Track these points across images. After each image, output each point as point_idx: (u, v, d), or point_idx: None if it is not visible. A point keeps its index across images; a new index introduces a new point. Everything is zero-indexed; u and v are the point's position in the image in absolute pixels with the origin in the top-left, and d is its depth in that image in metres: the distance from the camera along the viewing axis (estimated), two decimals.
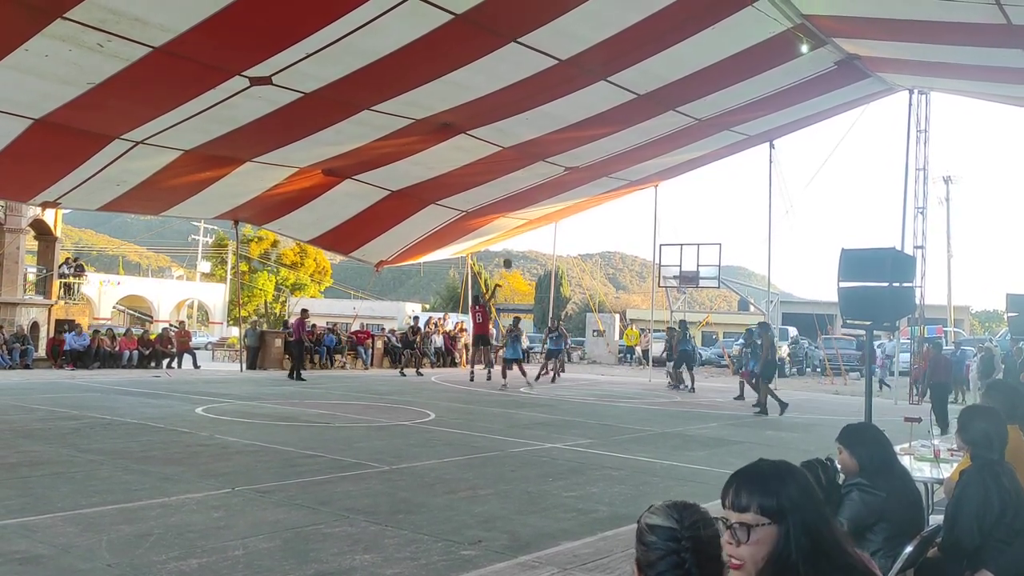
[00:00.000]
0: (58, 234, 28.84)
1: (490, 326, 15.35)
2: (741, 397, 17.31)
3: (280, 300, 53.52)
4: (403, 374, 22.08)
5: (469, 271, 30.21)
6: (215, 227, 53.58)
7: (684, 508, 1.71)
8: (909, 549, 3.13)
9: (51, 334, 23.91)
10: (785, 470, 1.86)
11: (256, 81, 11.21)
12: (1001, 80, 13.42)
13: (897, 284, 6.56)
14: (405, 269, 57.19)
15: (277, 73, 11.09)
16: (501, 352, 20.18)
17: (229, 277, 51.24)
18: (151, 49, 9.91)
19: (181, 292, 53.84)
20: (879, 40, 12.91)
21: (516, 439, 10.26)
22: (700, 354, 38.30)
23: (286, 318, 34.39)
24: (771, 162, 21.15)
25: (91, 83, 10.66)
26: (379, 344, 26.54)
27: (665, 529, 1.67)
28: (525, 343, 34.68)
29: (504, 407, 14.34)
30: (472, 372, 20.69)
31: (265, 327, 35.55)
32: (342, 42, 10.37)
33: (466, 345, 27.92)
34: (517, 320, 20.00)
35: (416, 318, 26.90)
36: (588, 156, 17.39)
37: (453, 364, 27.41)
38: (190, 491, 6.42)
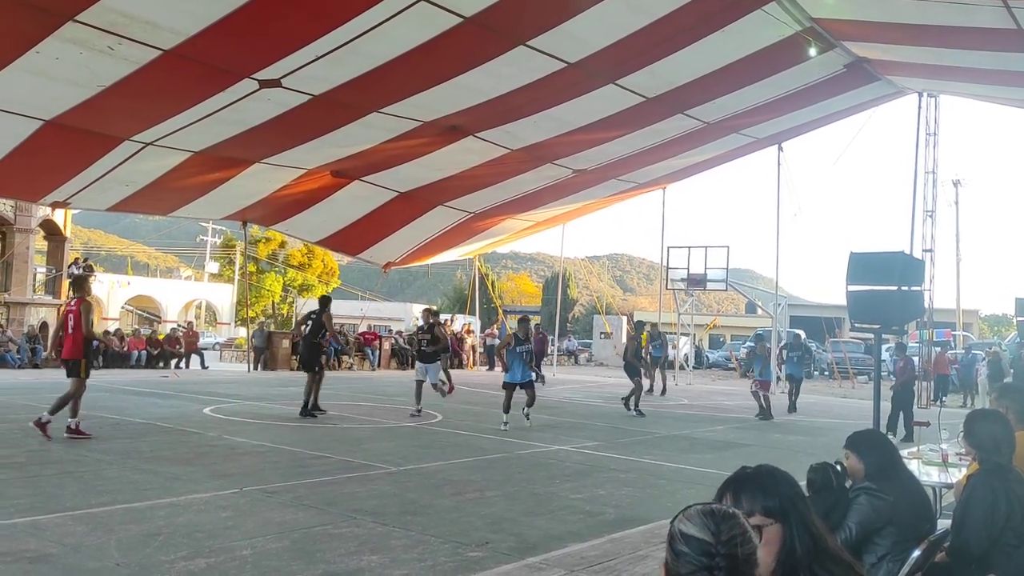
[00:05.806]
0: (67, 234, 28.99)
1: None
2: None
3: (288, 301, 53.59)
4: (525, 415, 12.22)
5: (476, 273, 30.24)
6: (223, 228, 53.70)
7: (723, 519, 1.53)
8: (917, 553, 3.14)
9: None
10: (774, 471, 1.87)
11: (266, 84, 11.26)
12: (1011, 84, 13.37)
13: (906, 287, 6.54)
14: (413, 270, 57.15)
15: (286, 76, 11.13)
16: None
17: (237, 278, 51.34)
18: (162, 52, 9.96)
19: (189, 292, 53.97)
20: (888, 44, 12.88)
21: (523, 441, 10.27)
22: (707, 356, 38.41)
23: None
24: (779, 165, 21.16)
25: (101, 85, 10.71)
26: (387, 345, 26.60)
27: (699, 541, 1.50)
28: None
29: (512, 409, 14.31)
30: None
31: (272, 328, 35.63)
32: (351, 45, 10.40)
33: (472, 347, 27.94)
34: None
35: (528, 317, 14.69)
36: (596, 159, 17.39)
37: (460, 365, 27.44)
38: (198, 491, 6.45)
